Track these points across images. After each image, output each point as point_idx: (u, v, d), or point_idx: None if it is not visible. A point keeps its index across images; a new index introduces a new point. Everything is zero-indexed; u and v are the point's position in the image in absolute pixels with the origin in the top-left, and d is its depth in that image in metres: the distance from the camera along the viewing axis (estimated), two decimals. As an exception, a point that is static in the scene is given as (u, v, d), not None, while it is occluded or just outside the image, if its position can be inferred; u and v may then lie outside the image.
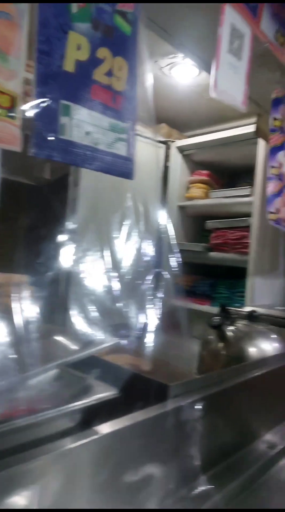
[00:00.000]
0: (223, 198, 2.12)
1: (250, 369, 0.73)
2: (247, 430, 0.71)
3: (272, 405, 0.80)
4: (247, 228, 1.99)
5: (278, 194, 1.16)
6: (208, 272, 2.29)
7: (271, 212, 1.13)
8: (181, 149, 2.23)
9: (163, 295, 0.69)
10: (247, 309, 1.24)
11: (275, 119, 1.16)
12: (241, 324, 0.92)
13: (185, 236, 2.33)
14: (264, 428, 0.76)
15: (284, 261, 2.10)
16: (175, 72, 1.71)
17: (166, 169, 2.19)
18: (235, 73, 0.94)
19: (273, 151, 1.15)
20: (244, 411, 0.70)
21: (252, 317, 0.94)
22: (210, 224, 2.16)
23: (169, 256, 0.70)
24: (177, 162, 2.24)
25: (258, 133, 1.76)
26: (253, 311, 0.93)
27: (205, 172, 2.24)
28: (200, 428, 0.55)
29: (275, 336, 0.91)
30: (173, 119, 2.22)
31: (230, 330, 0.89)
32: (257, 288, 1.82)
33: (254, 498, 0.60)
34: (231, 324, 0.91)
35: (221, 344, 0.89)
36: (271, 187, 1.14)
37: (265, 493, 0.63)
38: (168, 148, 2.20)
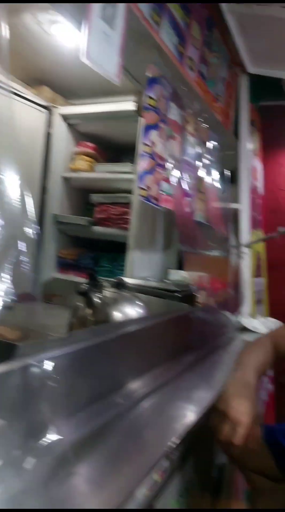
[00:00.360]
0: (107, 172, 2.13)
1: (106, 330, 0.78)
2: (105, 384, 0.76)
3: (133, 361, 0.87)
4: (128, 204, 2.06)
5: (149, 171, 1.22)
6: (92, 245, 2.32)
7: (142, 188, 1.18)
8: (66, 117, 2.15)
9: (22, 266, 0.68)
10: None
11: (149, 97, 1.21)
12: (108, 291, 0.97)
13: (70, 208, 2.30)
14: (121, 382, 0.83)
15: (162, 236, 2.25)
16: (56, 30, 1.61)
17: (48, 136, 2.11)
18: (107, 42, 0.94)
19: (146, 129, 1.20)
20: (102, 368, 0.76)
21: (119, 285, 0.99)
22: (94, 198, 2.17)
23: (25, 227, 0.69)
24: (61, 130, 2.16)
25: (138, 111, 1.81)
26: (121, 280, 0.99)
27: (91, 144, 2.21)
28: (53, 383, 0.58)
29: (139, 302, 0.98)
30: (57, 83, 2.09)
31: (97, 297, 0.93)
32: (136, 262, 1.92)
33: (105, 444, 0.65)
34: (99, 292, 0.95)
35: (88, 310, 0.93)
36: (143, 164, 1.19)
37: (118, 439, 0.69)
38: (50, 114, 2.11)
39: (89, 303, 0.91)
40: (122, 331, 0.78)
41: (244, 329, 1.67)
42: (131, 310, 0.93)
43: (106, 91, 2.08)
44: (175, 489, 0.85)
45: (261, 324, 1.68)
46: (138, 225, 2.00)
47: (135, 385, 0.85)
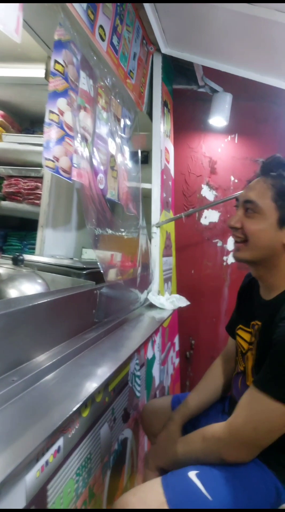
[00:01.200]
0: (17, 143, 1.99)
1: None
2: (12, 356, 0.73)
3: (29, 339, 0.83)
4: (41, 178, 1.96)
5: (57, 141, 1.15)
6: (0, 222, 2.16)
7: (48, 159, 1.11)
8: None
9: None
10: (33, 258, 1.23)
11: (56, 62, 1.13)
12: (4, 267, 0.90)
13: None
14: (17, 360, 0.79)
15: (77, 214, 2.19)
16: None
17: None
18: (5, -7, 0.84)
19: (52, 95, 1.12)
20: (8, 340, 0.73)
21: (17, 261, 0.93)
22: (2, 170, 2.02)
23: None
24: None
25: (47, 77, 1.71)
26: (19, 255, 0.93)
27: (-1, 112, 2.04)
28: None
29: (39, 279, 0.93)
30: None
31: (-8, 273, 0.86)
32: (48, 240, 1.84)
33: (23, 402, 0.70)
34: (-6, 268, 0.88)
35: (-19, 288, 0.85)
36: (50, 133, 1.12)
37: (34, 397, 0.74)
38: None
39: (-18, 280, 0.84)
40: (13, 309, 0.74)
41: (152, 306, 1.72)
42: (29, 287, 0.88)
43: (19, 56, 1.93)
44: (72, 467, 0.84)
45: (167, 301, 1.75)
46: (52, 201, 1.91)
47: (33, 363, 0.82)
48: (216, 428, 0.86)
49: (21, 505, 0.63)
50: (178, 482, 0.82)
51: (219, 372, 1.16)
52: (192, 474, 0.82)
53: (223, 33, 1.67)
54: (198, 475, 0.81)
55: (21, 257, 0.93)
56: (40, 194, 1.96)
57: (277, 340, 0.80)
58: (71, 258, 1.69)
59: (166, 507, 0.76)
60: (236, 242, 0.95)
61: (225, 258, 2.50)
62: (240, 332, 1.03)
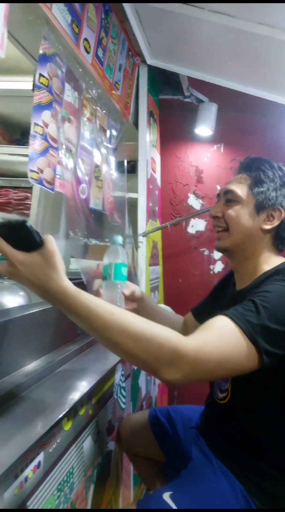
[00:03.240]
0: (8, 155, 2.00)
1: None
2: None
3: (16, 349, 0.82)
4: (30, 189, 1.96)
5: (41, 153, 1.16)
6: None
7: (33, 171, 1.12)
8: None
9: None
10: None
11: (41, 75, 1.14)
12: (-14, 280, 0.89)
13: None
14: (16, 364, 0.78)
15: (65, 223, 2.19)
16: None
17: None
18: (-12, 8, 0.85)
19: (37, 108, 1.13)
20: None
21: (-1, 273, 0.92)
22: (-8, 180, 2.02)
23: None
24: None
25: (33, 90, 1.71)
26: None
27: (-11, 124, 2.05)
28: None
29: (21, 291, 0.93)
30: None
31: (-28, 286, 0.86)
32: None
33: (3, 415, 0.70)
34: (-25, 280, 0.87)
35: None
36: (34, 145, 1.12)
37: (15, 410, 0.74)
38: None
39: None
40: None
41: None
42: (10, 300, 0.87)
43: (9, 69, 1.94)
44: (53, 483, 0.83)
45: (153, 311, 1.75)
46: (40, 211, 1.91)
47: (13, 377, 0.81)
48: (181, 341, 0.68)
49: (-2, 524, 0.62)
50: (153, 505, 0.81)
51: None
52: (167, 496, 0.81)
53: (207, 45, 1.70)
54: (172, 497, 0.81)
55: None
56: (29, 204, 1.96)
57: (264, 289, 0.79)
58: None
59: None
60: (217, 232, 0.99)
61: (211, 266, 2.51)
62: None
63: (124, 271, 0.98)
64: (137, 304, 1.08)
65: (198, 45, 1.73)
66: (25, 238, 0.66)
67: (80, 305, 0.67)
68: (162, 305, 1.88)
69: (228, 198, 0.97)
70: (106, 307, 0.68)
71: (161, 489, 0.84)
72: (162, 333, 0.68)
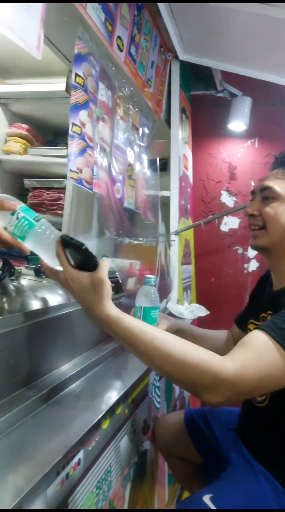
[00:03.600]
0: (41, 156, 2.04)
1: (16, 319, 0.73)
2: (16, 375, 0.73)
3: (56, 348, 0.83)
4: (63, 189, 1.99)
5: (80, 153, 1.16)
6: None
7: (72, 171, 1.13)
8: (-2, 96, 2.02)
9: None
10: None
11: (77, 75, 1.14)
12: (27, 279, 0.91)
13: (3, 193, 2.16)
14: (37, 372, 0.79)
15: (97, 223, 2.20)
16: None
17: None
18: (26, 10, 0.86)
19: (74, 108, 1.14)
20: (29, 352, 0.73)
21: (39, 272, 0.94)
22: (27, 182, 2.06)
23: None
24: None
25: (68, 90, 1.73)
26: (41, 267, 0.93)
27: (24, 126, 2.09)
28: None
29: (60, 289, 0.94)
30: None
31: (14, 285, 0.87)
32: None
33: (43, 414, 0.71)
34: (16, 280, 0.89)
35: (3, 299, 0.86)
36: (73, 146, 1.13)
37: (55, 409, 0.75)
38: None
39: (4, 291, 0.85)
40: (35, 320, 0.74)
41: (171, 315, 1.71)
42: (50, 299, 0.89)
43: (42, 71, 1.98)
44: (92, 480, 0.84)
45: (187, 310, 1.73)
46: (73, 211, 1.93)
47: (53, 375, 0.82)
48: (221, 368, 0.67)
49: (41, 519, 0.63)
50: (193, 507, 0.80)
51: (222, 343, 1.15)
52: (207, 498, 0.80)
53: (242, 36, 1.66)
54: (212, 499, 0.79)
55: (43, 268, 0.94)
56: (62, 204, 1.98)
57: None
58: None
59: None
60: (253, 230, 0.96)
61: (245, 265, 2.46)
62: (251, 327, 1.01)
63: (154, 314, 0.99)
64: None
65: (232, 37, 1.68)
66: (82, 258, 0.69)
67: (122, 331, 0.68)
68: (195, 305, 1.86)
69: (265, 195, 0.93)
70: (148, 332, 0.69)
71: (201, 491, 0.83)
72: (202, 358, 0.68)
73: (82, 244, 0.67)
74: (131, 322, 0.69)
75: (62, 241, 0.70)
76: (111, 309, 0.69)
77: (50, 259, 0.75)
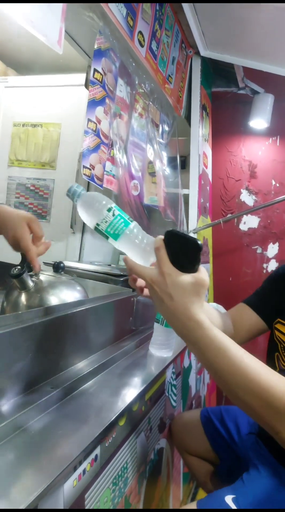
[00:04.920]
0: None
1: (36, 314, 0.73)
2: (35, 369, 0.73)
3: (68, 346, 0.83)
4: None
5: (94, 150, 1.16)
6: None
7: (86, 167, 1.13)
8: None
9: None
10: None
11: (96, 71, 1.14)
12: (45, 275, 0.91)
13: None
14: (55, 368, 0.79)
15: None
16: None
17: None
18: (48, 5, 0.86)
19: (91, 104, 1.13)
20: (47, 347, 0.74)
21: (57, 268, 0.94)
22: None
23: None
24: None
25: (86, 85, 1.73)
26: (60, 262, 0.94)
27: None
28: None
29: (79, 286, 0.94)
30: (9, 56, 2.02)
31: (32, 280, 0.88)
32: (87, 246, 1.87)
33: (61, 410, 0.71)
34: (35, 275, 0.89)
35: (22, 294, 0.87)
36: (87, 142, 1.13)
37: (72, 405, 0.74)
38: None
39: (23, 286, 0.85)
40: (53, 316, 0.74)
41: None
42: (68, 294, 0.89)
43: (61, 67, 1.99)
44: (109, 476, 0.83)
45: (205, 309, 1.71)
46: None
47: (71, 371, 0.82)
48: None
49: (58, 514, 0.63)
50: (215, 507, 0.79)
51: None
52: (229, 499, 0.78)
53: (265, 32, 1.62)
54: (235, 500, 0.78)
55: (61, 264, 0.94)
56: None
57: None
58: (109, 265, 1.70)
59: None
60: None
61: (265, 265, 2.42)
62: (280, 326, 0.98)
63: None
64: None
65: (255, 33, 1.65)
66: (186, 257, 0.62)
67: (210, 339, 0.59)
68: (214, 304, 1.83)
69: None
70: (238, 351, 0.59)
71: (222, 490, 0.82)
72: None
73: (198, 240, 0.61)
74: (222, 335, 0.60)
75: (169, 236, 0.62)
76: (205, 316, 0.61)
77: (142, 260, 0.69)
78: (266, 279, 1.10)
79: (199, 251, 0.61)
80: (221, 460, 1.12)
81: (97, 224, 0.70)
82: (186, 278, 0.60)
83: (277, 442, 0.83)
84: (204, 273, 0.62)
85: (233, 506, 0.76)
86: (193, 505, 0.80)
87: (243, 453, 1.00)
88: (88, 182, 1.18)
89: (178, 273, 0.61)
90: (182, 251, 0.62)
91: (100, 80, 1.16)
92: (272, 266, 2.40)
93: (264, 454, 0.91)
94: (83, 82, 1.80)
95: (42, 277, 0.91)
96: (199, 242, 0.61)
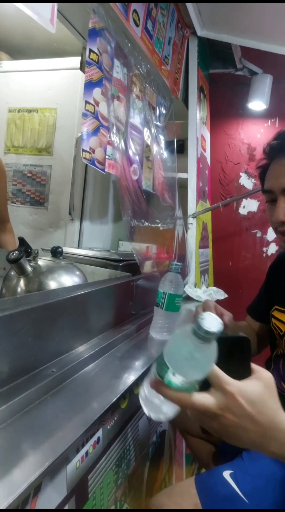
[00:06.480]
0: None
1: (33, 298, 0.73)
2: (33, 353, 0.73)
3: (67, 330, 0.83)
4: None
5: (93, 132, 1.14)
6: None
7: (85, 151, 1.11)
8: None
9: None
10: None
11: (91, 51, 1.11)
12: (43, 260, 0.91)
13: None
14: (54, 351, 0.79)
15: (113, 207, 2.19)
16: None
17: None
18: (40, -18, 0.83)
19: (88, 85, 1.11)
20: (47, 331, 0.73)
21: (56, 253, 0.93)
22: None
23: None
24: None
25: (82, 67, 1.69)
26: (58, 247, 0.93)
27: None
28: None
29: (77, 270, 0.93)
30: (2, 40, 2.00)
31: (31, 265, 0.87)
32: (86, 233, 1.86)
33: (62, 393, 0.71)
34: (33, 260, 0.89)
35: (21, 279, 0.86)
36: (86, 125, 1.11)
37: (73, 388, 0.74)
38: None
39: (21, 271, 0.85)
40: (52, 300, 0.74)
41: (188, 298, 1.69)
42: (67, 279, 0.88)
43: (55, 51, 1.96)
44: (111, 458, 0.84)
45: (204, 293, 1.71)
46: (89, 194, 1.92)
47: (72, 354, 0.82)
48: None
49: (63, 494, 0.64)
50: (212, 483, 0.79)
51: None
52: (227, 474, 0.79)
53: (263, 9, 1.58)
54: (233, 476, 0.79)
55: (59, 249, 0.93)
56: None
57: None
58: (108, 251, 1.69)
59: (199, 509, 0.74)
60: None
61: (264, 249, 2.41)
62: (276, 313, 0.98)
63: (178, 301, 0.98)
64: None
65: (252, 11, 1.61)
66: (238, 360, 0.51)
67: None
68: (214, 288, 1.83)
69: None
70: None
71: (221, 467, 0.82)
72: None
73: (247, 336, 0.50)
74: None
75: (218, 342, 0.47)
76: None
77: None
78: (267, 273, 1.12)
79: (249, 346, 0.50)
80: (223, 441, 1.13)
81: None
82: (256, 386, 0.48)
83: None
84: (259, 368, 0.51)
85: (231, 481, 0.77)
86: (191, 481, 0.81)
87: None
88: (86, 165, 1.16)
89: (245, 386, 0.48)
90: (228, 357, 0.49)
91: (96, 60, 1.13)
92: (272, 249, 2.39)
93: None
94: (78, 65, 1.77)
95: (41, 262, 0.90)
96: (246, 335, 0.51)
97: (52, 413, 0.65)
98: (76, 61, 1.78)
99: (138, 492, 1.03)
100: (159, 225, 1.56)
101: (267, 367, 1.02)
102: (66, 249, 1.21)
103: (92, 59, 1.13)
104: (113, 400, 0.70)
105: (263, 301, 1.07)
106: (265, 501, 0.75)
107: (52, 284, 0.85)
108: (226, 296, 1.84)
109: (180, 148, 2.07)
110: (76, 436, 0.59)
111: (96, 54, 1.14)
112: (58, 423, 0.62)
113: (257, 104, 2.18)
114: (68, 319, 0.82)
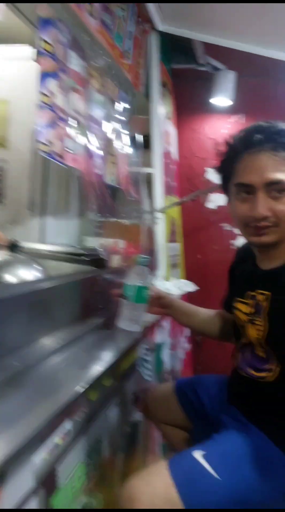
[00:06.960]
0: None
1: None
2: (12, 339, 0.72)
3: (38, 320, 0.82)
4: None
5: (50, 125, 1.12)
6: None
7: (42, 143, 1.09)
8: None
9: None
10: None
11: (44, 41, 1.10)
12: (0, 253, 0.89)
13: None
14: (16, 344, 0.78)
15: (77, 202, 2.16)
16: None
17: None
18: None
19: (42, 76, 1.09)
20: (10, 325, 0.72)
21: (13, 247, 0.92)
22: None
23: None
24: None
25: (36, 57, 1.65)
26: (16, 241, 0.91)
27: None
28: None
29: (36, 265, 0.92)
30: None
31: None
32: (49, 228, 1.83)
33: (26, 385, 0.70)
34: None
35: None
36: (42, 116, 1.09)
37: (38, 380, 0.74)
38: None
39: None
40: (12, 294, 0.72)
41: (158, 291, 1.70)
42: (26, 273, 0.87)
43: (3, 38, 1.87)
44: (81, 450, 0.84)
45: (174, 286, 1.73)
46: (51, 189, 1.89)
47: (36, 347, 0.81)
48: None
49: (29, 486, 0.63)
50: (184, 463, 0.81)
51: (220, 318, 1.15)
52: (198, 455, 0.80)
53: (224, 6, 1.60)
54: (204, 456, 0.80)
55: (17, 244, 0.92)
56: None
57: None
58: (73, 246, 1.67)
59: (173, 489, 0.75)
60: (262, 229, 0.86)
61: (232, 241, 2.46)
62: (237, 305, 1.00)
63: (145, 293, 0.99)
64: (168, 311, 1.12)
65: (213, 6, 1.63)
66: None
67: None
68: (183, 280, 1.86)
69: (275, 188, 0.81)
70: None
71: (192, 448, 0.84)
72: None
73: None
74: None
75: None
76: None
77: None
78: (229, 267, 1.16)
79: None
80: (195, 426, 1.14)
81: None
82: None
83: (246, 402, 0.86)
84: None
85: (201, 459, 0.78)
86: (163, 463, 0.82)
87: (215, 418, 1.03)
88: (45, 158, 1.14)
89: None
90: None
91: (50, 51, 1.12)
92: (240, 242, 2.44)
93: (234, 414, 0.94)
94: (31, 55, 1.71)
95: (-1, 256, 0.88)
96: None
97: (14, 406, 0.64)
98: (28, 50, 1.71)
99: (113, 483, 1.02)
100: (125, 220, 1.56)
101: (235, 356, 1.05)
102: (27, 244, 1.19)
103: (45, 49, 1.11)
104: (79, 392, 0.69)
105: (229, 293, 1.10)
106: (234, 476, 0.77)
107: (11, 279, 0.84)
108: (197, 288, 1.87)
109: (146, 143, 2.08)
110: (40, 425, 0.59)
111: (50, 45, 1.12)
112: (21, 414, 0.61)
113: (221, 100, 2.22)
114: (31, 313, 0.81)
